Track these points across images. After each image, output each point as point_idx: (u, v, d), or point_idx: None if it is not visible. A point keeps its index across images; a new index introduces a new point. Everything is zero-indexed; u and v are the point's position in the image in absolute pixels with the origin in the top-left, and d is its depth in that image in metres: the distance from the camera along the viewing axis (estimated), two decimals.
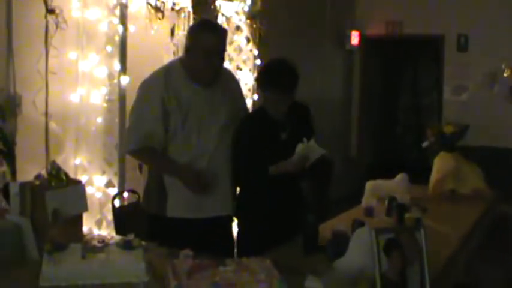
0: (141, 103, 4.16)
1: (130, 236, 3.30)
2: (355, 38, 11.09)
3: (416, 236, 2.97)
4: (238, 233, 4.46)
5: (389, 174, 5.31)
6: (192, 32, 4.31)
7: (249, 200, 4.41)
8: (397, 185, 5.17)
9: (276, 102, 4.27)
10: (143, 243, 3.36)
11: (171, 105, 4.05)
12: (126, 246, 3.22)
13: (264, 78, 4.32)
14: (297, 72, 4.29)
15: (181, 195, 4.13)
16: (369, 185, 5.25)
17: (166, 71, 4.25)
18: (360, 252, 3.14)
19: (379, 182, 5.30)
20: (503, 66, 10.09)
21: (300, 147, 4.16)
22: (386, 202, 4.80)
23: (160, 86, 4.10)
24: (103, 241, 3.31)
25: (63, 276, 2.97)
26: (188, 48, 4.17)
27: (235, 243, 4.43)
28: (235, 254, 4.33)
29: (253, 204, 4.39)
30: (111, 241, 3.40)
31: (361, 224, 3.80)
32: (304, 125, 4.49)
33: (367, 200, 5.04)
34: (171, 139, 4.12)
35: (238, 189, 4.48)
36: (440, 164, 5.72)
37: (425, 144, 5.90)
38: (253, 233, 4.38)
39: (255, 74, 6.98)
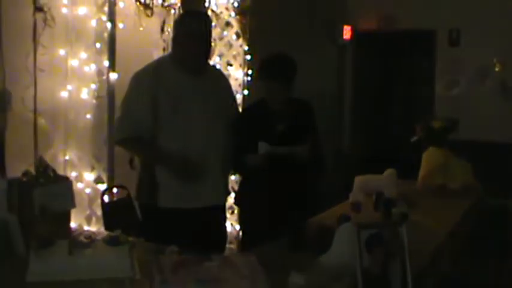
0: (130, 93, 4.26)
1: (117, 232, 3.32)
2: (347, 33, 11.10)
3: (400, 231, 2.99)
4: (240, 221, 4.53)
5: (382, 169, 5.33)
6: (176, 22, 4.41)
7: (248, 188, 4.50)
8: (385, 180, 5.19)
9: (271, 91, 4.37)
10: (130, 239, 3.38)
11: (160, 95, 4.10)
12: (112, 242, 3.25)
13: (260, 68, 4.43)
14: (294, 65, 4.39)
15: (172, 185, 4.17)
16: (358, 180, 5.27)
17: (157, 64, 4.35)
18: (344, 247, 3.16)
19: (368, 177, 5.33)
20: (494, 61, 10.10)
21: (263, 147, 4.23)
22: (374, 197, 4.83)
23: (150, 76, 4.18)
24: (90, 237, 3.34)
25: (49, 272, 3.00)
26: (174, 38, 4.24)
27: (240, 231, 4.50)
28: (240, 242, 4.39)
29: (252, 192, 4.46)
30: (98, 237, 3.42)
31: (347, 219, 3.83)
32: (304, 121, 4.55)
33: (354, 195, 5.07)
34: (162, 128, 4.16)
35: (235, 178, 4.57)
36: (429, 159, 5.75)
37: (413, 139, 5.93)
38: (254, 220, 4.46)
39: (245, 70, 7.02)
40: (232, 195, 5.32)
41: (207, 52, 4.33)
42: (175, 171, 4.14)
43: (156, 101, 4.11)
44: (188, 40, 4.13)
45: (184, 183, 4.15)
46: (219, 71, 4.72)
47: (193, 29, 4.14)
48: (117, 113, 4.45)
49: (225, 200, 4.65)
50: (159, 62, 4.40)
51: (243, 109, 4.58)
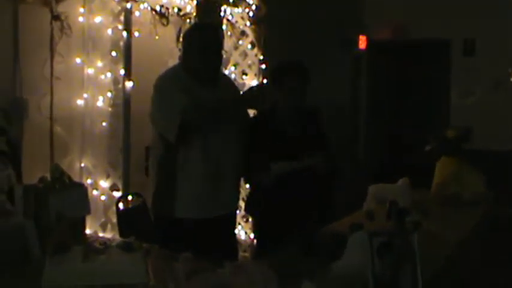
0: (164, 93, 4.18)
1: (131, 239, 3.35)
2: (362, 43, 11.10)
3: (411, 240, 3.01)
4: (255, 227, 4.54)
5: (396, 178, 5.33)
6: (186, 34, 4.41)
7: (260, 196, 4.52)
8: (399, 189, 5.19)
9: (295, 89, 4.39)
10: (144, 245, 3.41)
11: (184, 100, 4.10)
12: (126, 248, 3.28)
13: (281, 68, 4.48)
14: (308, 71, 4.46)
15: (190, 195, 4.18)
16: (372, 188, 5.28)
17: (173, 72, 4.33)
18: (356, 255, 3.18)
19: (382, 186, 5.33)
20: (509, 71, 10.08)
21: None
22: (387, 206, 4.84)
23: (176, 82, 4.16)
24: (105, 243, 3.37)
25: (65, 277, 3.02)
26: (185, 50, 4.25)
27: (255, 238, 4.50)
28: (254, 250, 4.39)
29: (264, 200, 4.48)
30: (113, 243, 3.45)
31: (359, 227, 3.83)
32: (314, 127, 4.58)
33: (368, 203, 5.07)
34: None
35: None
36: (443, 168, 5.74)
37: (427, 148, 5.93)
38: (267, 228, 4.48)
39: (260, 79, 7.04)
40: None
41: (219, 64, 4.36)
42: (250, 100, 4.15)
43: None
44: (201, 54, 4.14)
45: (207, 190, 4.18)
46: (229, 79, 4.73)
47: (204, 42, 4.16)
48: (156, 115, 4.25)
49: (237, 207, 4.68)
50: (174, 71, 4.40)
51: (254, 116, 4.57)
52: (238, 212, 4.88)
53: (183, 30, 6.14)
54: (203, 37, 4.19)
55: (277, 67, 4.57)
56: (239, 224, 6.70)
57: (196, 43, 4.18)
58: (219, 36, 4.33)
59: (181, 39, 6.03)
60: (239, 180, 4.52)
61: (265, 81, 7.05)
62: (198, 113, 4.07)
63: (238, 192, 4.56)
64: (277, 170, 4.29)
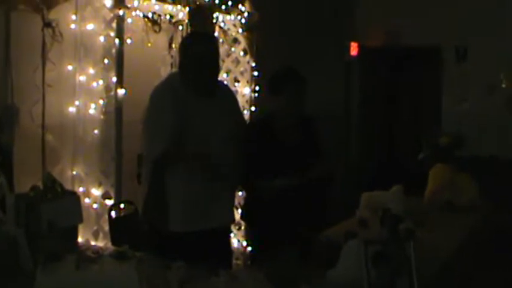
0: (155, 110, 4.17)
1: (124, 247, 3.33)
2: (354, 49, 11.10)
3: (406, 248, 3.00)
4: (250, 235, 4.53)
5: (389, 186, 5.32)
6: (183, 44, 4.38)
7: (255, 203, 4.51)
8: (392, 196, 5.18)
9: (293, 97, 4.39)
10: (137, 254, 3.39)
11: (179, 116, 4.08)
12: (119, 257, 3.26)
13: (278, 78, 4.46)
14: (304, 79, 4.46)
15: (183, 208, 4.15)
16: (364, 196, 5.26)
17: (171, 82, 4.30)
18: (351, 263, 3.16)
19: (375, 194, 5.32)
20: (501, 77, 10.10)
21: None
22: (380, 213, 4.82)
23: (170, 94, 4.13)
24: (97, 252, 3.35)
25: (57, 286, 3.00)
26: (182, 61, 4.21)
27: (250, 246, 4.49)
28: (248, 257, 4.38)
29: (259, 208, 4.47)
30: (105, 252, 3.43)
31: (353, 235, 3.82)
32: (310, 137, 4.57)
33: (361, 211, 5.06)
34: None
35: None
36: (436, 175, 5.74)
37: (421, 156, 5.93)
38: (262, 235, 4.47)
39: (252, 86, 7.03)
40: (239, 210, 5.33)
41: (217, 75, 4.33)
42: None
43: (178, 119, 4.08)
44: (199, 64, 4.10)
45: (201, 202, 4.15)
46: (226, 87, 4.70)
47: (202, 53, 4.13)
48: (144, 133, 4.31)
49: (233, 221, 4.65)
50: (172, 81, 4.35)
51: (249, 124, 4.55)
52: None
53: (175, 38, 6.17)
54: (200, 48, 4.16)
55: (274, 76, 4.56)
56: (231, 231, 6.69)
57: (193, 54, 4.15)
58: (216, 47, 4.30)
59: (173, 47, 6.06)
60: (234, 193, 4.50)
61: (257, 88, 7.05)
62: (178, 156, 4.12)
63: (233, 205, 4.53)
64: (278, 185, 4.29)
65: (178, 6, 5.98)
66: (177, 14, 6.11)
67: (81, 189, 5.32)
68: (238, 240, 6.84)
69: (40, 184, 4.06)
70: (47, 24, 4.99)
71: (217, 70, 4.30)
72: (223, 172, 4.14)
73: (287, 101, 4.44)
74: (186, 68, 4.21)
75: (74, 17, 5.27)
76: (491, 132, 9.94)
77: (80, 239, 4.91)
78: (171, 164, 4.12)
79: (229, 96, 4.60)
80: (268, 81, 4.65)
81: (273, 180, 4.32)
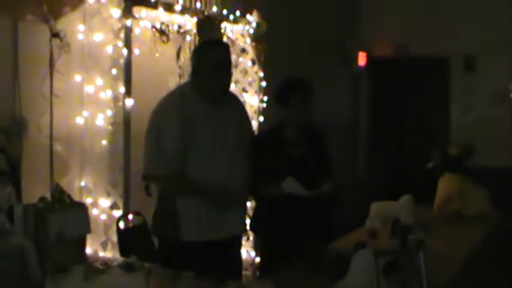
0: (159, 127, 4.15)
1: (133, 258, 3.32)
2: (362, 59, 11.10)
3: (416, 258, 2.98)
4: (258, 246, 4.52)
5: (398, 196, 5.30)
6: (197, 51, 4.39)
7: (264, 214, 4.49)
8: (402, 206, 5.16)
9: (300, 108, 4.40)
10: (146, 265, 3.37)
11: (187, 125, 4.07)
12: (128, 268, 3.24)
13: (285, 88, 4.45)
14: (311, 87, 4.45)
15: (195, 217, 4.13)
16: (374, 206, 5.25)
17: (180, 93, 4.28)
18: (360, 274, 3.14)
19: (384, 204, 5.30)
20: (510, 87, 10.07)
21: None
22: (390, 224, 4.80)
23: (177, 107, 4.12)
24: (105, 263, 3.34)
25: None
26: (195, 68, 4.21)
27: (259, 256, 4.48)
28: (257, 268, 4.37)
29: (268, 218, 4.45)
30: (114, 263, 3.41)
31: (363, 246, 3.80)
32: (318, 148, 4.56)
33: (371, 221, 5.04)
34: (186, 159, 4.13)
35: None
36: (445, 185, 5.72)
37: (430, 165, 5.91)
38: (271, 246, 4.45)
39: (261, 96, 7.02)
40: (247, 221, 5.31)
41: (229, 82, 4.32)
42: (218, 203, 4.12)
43: (185, 131, 4.08)
44: (212, 71, 4.11)
45: (213, 213, 4.13)
46: (234, 96, 4.70)
47: (215, 59, 4.13)
48: (147, 147, 4.31)
49: (245, 230, 4.64)
50: (182, 92, 4.34)
51: (257, 135, 4.55)
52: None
53: (183, 48, 6.16)
54: (214, 54, 4.16)
55: (281, 86, 4.55)
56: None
57: (208, 61, 4.15)
58: (229, 54, 4.30)
59: (181, 57, 6.05)
60: (245, 202, 4.49)
61: (265, 98, 7.04)
62: (180, 184, 4.14)
63: (245, 214, 4.52)
64: (287, 189, 4.27)
65: (186, 17, 5.98)
66: (185, 24, 6.10)
67: (89, 200, 5.31)
68: (247, 251, 6.81)
69: (48, 195, 4.04)
70: (55, 35, 4.98)
71: (230, 78, 4.29)
72: (237, 196, 4.17)
73: (293, 112, 4.43)
74: (198, 74, 4.20)
75: (81, 27, 5.27)
76: (500, 142, 9.91)
77: (88, 250, 4.90)
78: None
79: (238, 105, 4.60)
80: (274, 91, 4.65)
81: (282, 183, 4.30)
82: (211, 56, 4.15)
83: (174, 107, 4.16)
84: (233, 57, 6.70)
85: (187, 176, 4.14)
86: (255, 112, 7.00)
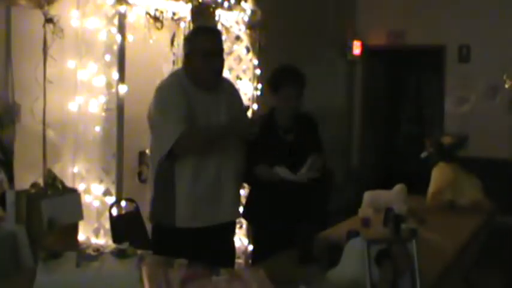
0: (166, 101, 4.07)
1: (125, 245, 3.31)
2: (357, 48, 11.10)
3: (409, 247, 2.97)
4: (252, 234, 4.51)
5: (391, 185, 5.31)
6: (189, 37, 4.35)
7: (256, 201, 4.49)
8: (395, 195, 5.17)
9: (290, 96, 4.38)
10: (138, 251, 3.36)
11: (187, 108, 4.04)
12: (120, 254, 3.23)
13: (276, 76, 4.45)
14: (304, 75, 4.44)
15: (190, 204, 4.12)
16: (367, 195, 5.26)
17: (176, 78, 4.25)
18: (353, 262, 3.14)
19: (377, 193, 5.31)
20: (504, 77, 10.08)
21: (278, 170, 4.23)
22: (383, 213, 4.81)
23: (180, 89, 4.09)
24: (98, 250, 3.32)
25: (57, 284, 2.98)
26: (187, 54, 4.18)
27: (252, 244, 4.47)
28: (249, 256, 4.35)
29: (261, 206, 4.45)
30: (106, 250, 3.40)
31: (356, 234, 3.80)
32: (311, 135, 4.56)
33: (364, 210, 5.04)
34: None
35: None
36: (439, 174, 5.72)
37: (423, 154, 5.90)
38: (263, 233, 4.45)
39: (255, 84, 7.01)
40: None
41: (222, 68, 4.30)
42: (240, 129, 4.13)
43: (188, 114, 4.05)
44: (203, 58, 4.09)
45: (207, 198, 4.12)
46: (228, 82, 4.67)
47: (207, 46, 4.10)
48: (160, 120, 4.08)
49: (239, 215, 4.62)
50: (177, 77, 4.31)
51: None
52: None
53: (177, 35, 6.13)
54: (205, 42, 4.14)
55: (273, 74, 4.54)
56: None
57: (198, 48, 4.12)
58: (221, 40, 4.28)
59: (175, 44, 6.03)
60: (239, 188, 4.48)
61: (259, 86, 7.03)
62: (192, 139, 4.04)
63: (239, 200, 4.51)
64: (280, 173, 4.26)
65: (181, 3, 5.95)
66: (179, 11, 6.08)
67: (82, 186, 5.29)
68: (240, 239, 6.82)
69: (41, 181, 4.04)
70: (48, 20, 4.96)
71: (221, 62, 4.27)
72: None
73: (285, 98, 4.43)
74: (190, 61, 4.18)
75: (75, 13, 5.25)
76: (494, 133, 9.93)
77: (80, 237, 4.89)
78: (183, 156, 4.08)
79: (233, 91, 4.58)
80: (266, 79, 4.64)
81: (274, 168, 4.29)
82: (202, 43, 4.13)
83: (175, 86, 4.14)
84: (228, 44, 6.71)
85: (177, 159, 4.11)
86: (249, 99, 6.99)
